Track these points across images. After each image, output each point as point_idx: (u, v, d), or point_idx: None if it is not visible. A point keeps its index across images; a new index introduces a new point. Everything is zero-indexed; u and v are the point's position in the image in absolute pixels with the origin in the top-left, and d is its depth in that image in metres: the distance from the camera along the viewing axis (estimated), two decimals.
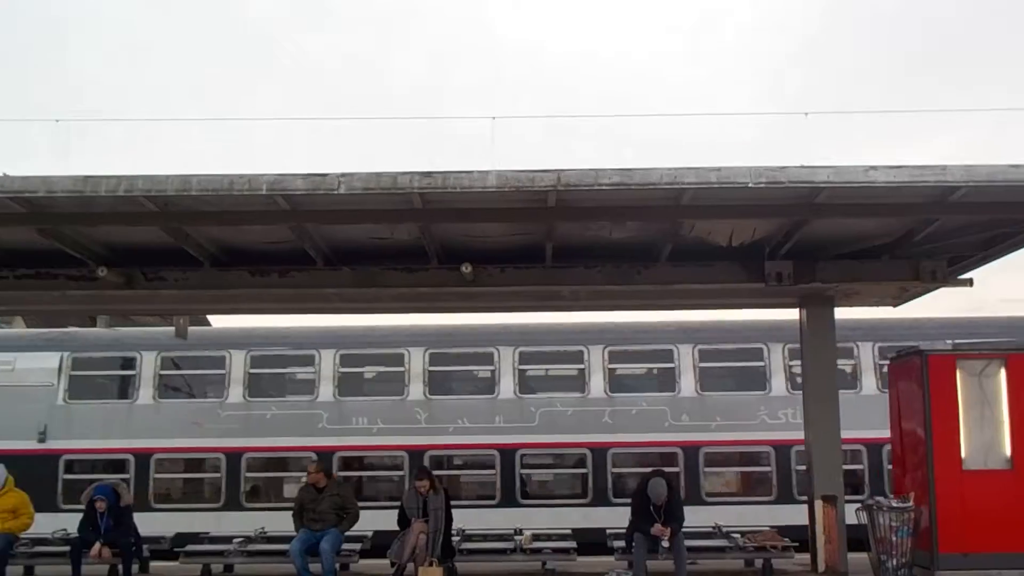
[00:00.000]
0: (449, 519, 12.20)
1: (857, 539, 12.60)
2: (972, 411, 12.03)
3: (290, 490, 17.48)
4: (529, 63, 74.57)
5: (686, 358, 18.01)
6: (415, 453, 17.41)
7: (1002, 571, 11.76)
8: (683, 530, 12.04)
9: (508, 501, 17.41)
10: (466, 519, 14.37)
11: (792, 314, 13.84)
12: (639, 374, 18.81)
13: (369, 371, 19.00)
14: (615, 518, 15.24)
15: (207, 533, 14.12)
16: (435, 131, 77.54)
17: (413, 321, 18.31)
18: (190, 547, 13.36)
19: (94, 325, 20.79)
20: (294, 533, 12.36)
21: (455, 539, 12.76)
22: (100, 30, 69.01)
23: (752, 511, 16.71)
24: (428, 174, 9.61)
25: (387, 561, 12.35)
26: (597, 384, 17.92)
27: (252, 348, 18.29)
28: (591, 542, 13.88)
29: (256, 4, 68.11)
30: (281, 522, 13.74)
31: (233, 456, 17.60)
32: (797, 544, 13.04)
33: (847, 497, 13.04)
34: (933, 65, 67.20)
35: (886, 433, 13.28)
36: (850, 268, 12.03)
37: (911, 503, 11.93)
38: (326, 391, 17.95)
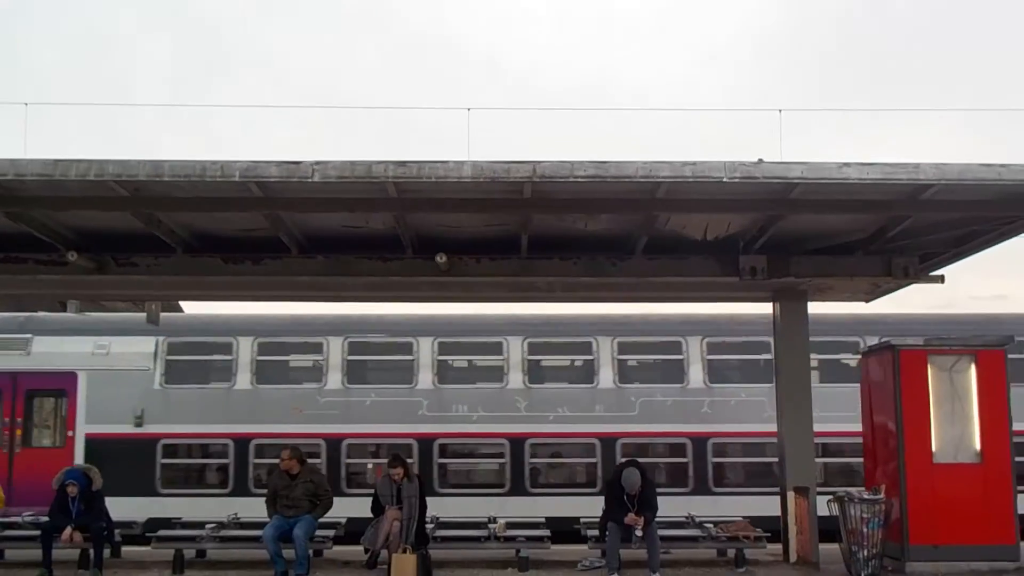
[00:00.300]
0: (423, 507, 12.20)
1: (828, 531, 12.69)
2: (943, 406, 12.21)
3: None
4: (491, 68, 74.51)
5: None
6: (516, 441, 17.59)
7: (971, 563, 11.96)
8: (656, 520, 12.09)
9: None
10: (568, 507, 14.73)
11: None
12: (737, 365, 18.58)
13: (468, 360, 19.01)
14: (712, 507, 15.72)
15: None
16: (407, 123, 76.76)
17: (513, 310, 18.36)
18: (162, 532, 13.30)
19: (64, 310, 20.66)
20: (267, 519, 12.33)
21: (429, 527, 12.77)
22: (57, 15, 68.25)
23: None
24: (403, 163, 9.58)
25: (360, 548, 12.37)
26: (696, 374, 17.93)
27: (349, 335, 18.25)
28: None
29: None
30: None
31: (333, 442, 17.60)
32: (769, 535, 13.13)
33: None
34: (910, 61, 67.44)
35: None
36: (824, 263, 12.06)
37: (882, 495, 12.05)
38: (425, 379, 17.98)
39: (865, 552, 11.86)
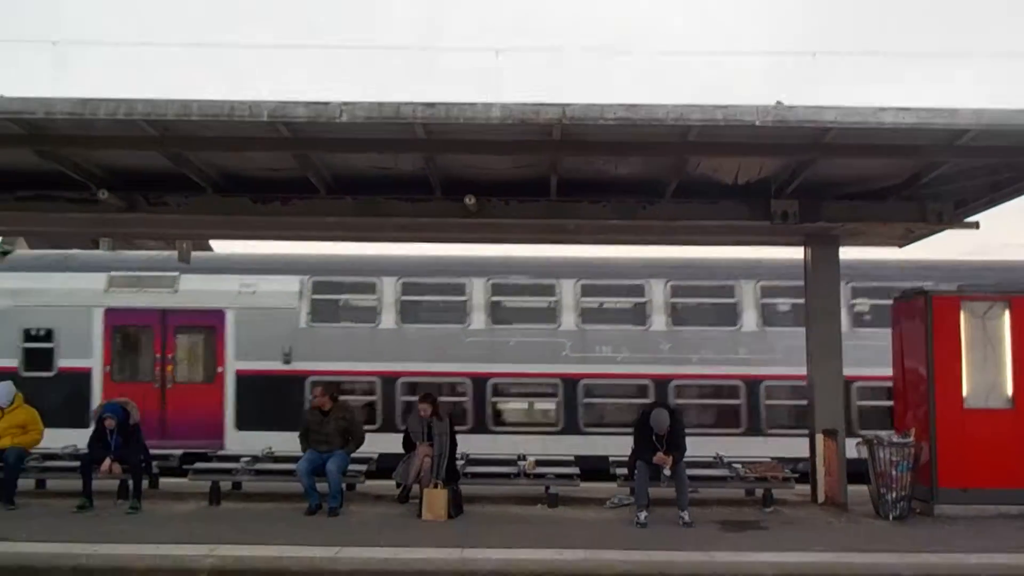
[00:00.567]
0: (454, 444, 12.36)
1: (857, 472, 12.69)
2: (975, 351, 12.11)
3: (532, 415, 18.43)
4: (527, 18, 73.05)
5: None
6: (659, 382, 17.69)
7: (999, 506, 11.98)
8: (684, 459, 12.16)
9: (754, 430, 17.66)
10: (710, 446, 14.59)
11: None
12: (882, 308, 18.43)
13: (611, 301, 19.01)
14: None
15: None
16: (435, 66, 75.80)
17: (654, 253, 18.08)
18: (199, 464, 13.59)
19: (96, 247, 20.86)
20: (300, 453, 12.55)
21: (459, 463, 12.94)
22: None
23: None
24: (431, 105, 9.50)
25: (392, 482, 12.58)
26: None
27: (492, 276, 18.39)
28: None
29: None
30: (520, 443, 15.71)
31: (479, 380, 17.88)
32: (797, 475, 13.16)
33: None
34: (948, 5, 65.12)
35: None
36: (856, 208, 11.91)
37: (911, 439, 12.03)
38: (568, 320, 18.13)
39: (894, 494, 11.89)
